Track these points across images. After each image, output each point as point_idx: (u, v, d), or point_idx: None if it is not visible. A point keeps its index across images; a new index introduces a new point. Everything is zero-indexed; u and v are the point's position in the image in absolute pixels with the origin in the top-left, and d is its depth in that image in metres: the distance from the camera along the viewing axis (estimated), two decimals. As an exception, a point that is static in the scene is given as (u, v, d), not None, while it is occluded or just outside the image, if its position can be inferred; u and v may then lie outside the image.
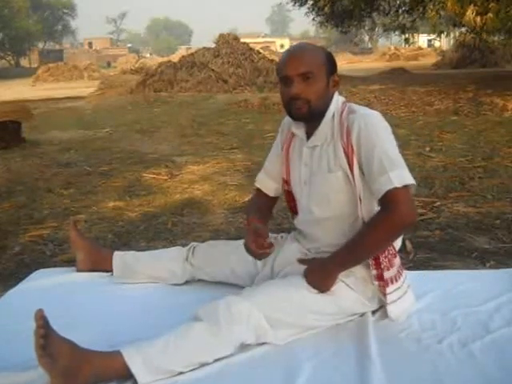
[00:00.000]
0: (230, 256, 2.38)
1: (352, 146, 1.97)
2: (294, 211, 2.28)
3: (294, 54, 2.04)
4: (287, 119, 2.20)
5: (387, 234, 1.91)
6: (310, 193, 2.13)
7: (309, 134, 2.12)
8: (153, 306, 2.31)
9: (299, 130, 2.15)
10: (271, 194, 2.37)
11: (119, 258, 2.57)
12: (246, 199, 4.62)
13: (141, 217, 4.33)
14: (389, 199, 1.88)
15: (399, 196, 1.87)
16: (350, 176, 1.99)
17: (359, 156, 1.96)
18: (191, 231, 3.93)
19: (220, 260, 2.40)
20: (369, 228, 1.93)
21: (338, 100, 2.09)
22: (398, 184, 1.87)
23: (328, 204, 2.08)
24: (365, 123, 1.96)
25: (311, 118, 2.04)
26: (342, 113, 2.04)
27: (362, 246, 1.94)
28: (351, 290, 2.06)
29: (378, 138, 1.95)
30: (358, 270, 2.06)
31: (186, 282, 2.48)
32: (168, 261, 2.49)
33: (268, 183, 2.37)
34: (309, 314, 2.00)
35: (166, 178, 5.66)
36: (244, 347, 1.92)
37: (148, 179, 5.65)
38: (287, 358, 1.91)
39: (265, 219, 2.28)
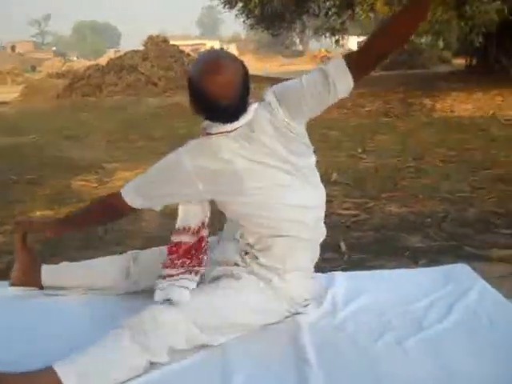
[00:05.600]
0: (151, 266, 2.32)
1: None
2: None
3: (217, 66, 1.98)
4: None
5: None
6: None
7: None
8: (90, 318, 2.22)
9: None
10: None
11: (49, 271, 2.43)
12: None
13: (70, 225, 4.18)
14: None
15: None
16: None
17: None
18: (124, 239, 3.83)
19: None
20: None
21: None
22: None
23: None
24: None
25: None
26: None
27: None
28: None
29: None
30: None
31: (127, 292, 2.40)
32: (107, 271, 2.39)
33: None
34: (234, 315, 1.99)
35: (95, 185, 5.52)
36: (178, 353, 1.89)
37: (77, 187, 5.50)
38: (222, 363, 1.88)
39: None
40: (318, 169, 2.11)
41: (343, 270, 2.88)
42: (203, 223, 2.12)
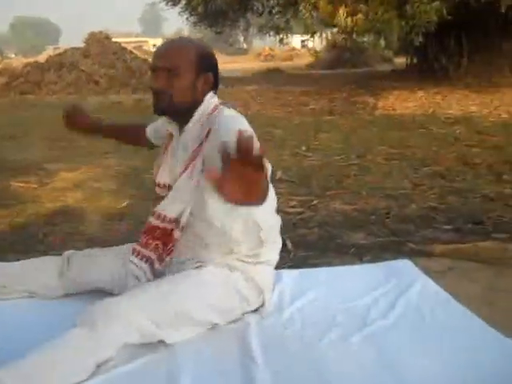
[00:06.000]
0: (108, 263, 2.28)
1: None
2: None
3: (163, 47, 2.04)
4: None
5: None
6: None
7: (181, 133, 2.09)
8: (29, 324, 2.13)
9: (172, 127, 2.11)
10: (146, 135, 2.44)
11: None
12: (123, 205, 4.48)
13: (9, 228, 4.06)
14: None
15: None
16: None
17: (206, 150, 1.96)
18: (66, 241, 3.74)
19: (99, 268, 2.28)
20: None
21: (210, 101, 2.05)
22: None
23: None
24: (220, 122, 1.95)
25: (174, 114, 2.03)
26: (209, 114, 2.02)
27: None
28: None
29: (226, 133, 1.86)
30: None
31: (66, 295, 2.33)
32: (40, 273, 2.30)
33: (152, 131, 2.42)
34: (191, 309, 1.97)
35: (36, 186, 5.37)
36: (127, 352, 1.86)
37: (16, 188, 5.33)
38: (169, 364, 1.86)
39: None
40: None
41: (289, 267, 2.89)
42: (182, 213, 2.05)
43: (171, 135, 2.15)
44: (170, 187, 2.09)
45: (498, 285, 2.70)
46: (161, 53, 2.00)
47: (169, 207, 2.06)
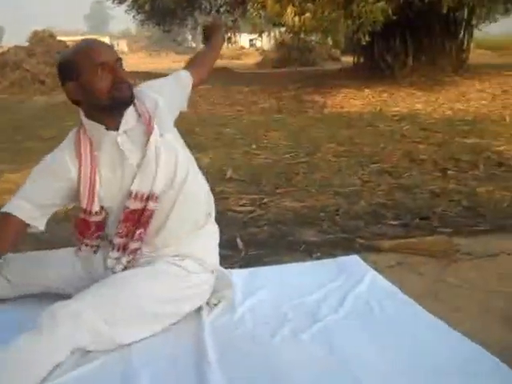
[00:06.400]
0: (53, 265, 2.24)
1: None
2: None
3: (102, 42, 2.08)
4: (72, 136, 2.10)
5: None
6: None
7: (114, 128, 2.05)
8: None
9: (100, 133, 2.05)
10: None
11: None
12: (70, 207, 4.39)
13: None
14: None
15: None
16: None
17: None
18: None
19: (42, 271, 2.25)
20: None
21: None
22: None
23: None
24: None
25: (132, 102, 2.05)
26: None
27: None
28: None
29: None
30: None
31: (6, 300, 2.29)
32: None
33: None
34: (140, 302, 1.96)
35: (-20, 188, 5.23)
36: (79, 355, 1.84)
37: (-41, 191, 5.18)
38: (124, 365, 1.85)
39: None
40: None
41: (241, 266, 2.90)
42: (154, 185, 2.03)
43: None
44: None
45: (444, 278, 2.77)
46: (107, 48, 2.04)
47: (142, 183, 2.03)
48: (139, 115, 2.05)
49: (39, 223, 2.10)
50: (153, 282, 2.00)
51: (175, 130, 2.19)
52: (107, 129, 2.01)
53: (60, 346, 1.78)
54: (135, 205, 2.02)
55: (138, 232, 2.04)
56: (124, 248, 2.07)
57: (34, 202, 2.05)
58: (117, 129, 2.02)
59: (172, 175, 2.04)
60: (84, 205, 2.06)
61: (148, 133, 2.02)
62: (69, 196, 2.08)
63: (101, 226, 2.12)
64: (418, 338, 2.02)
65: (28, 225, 2.07)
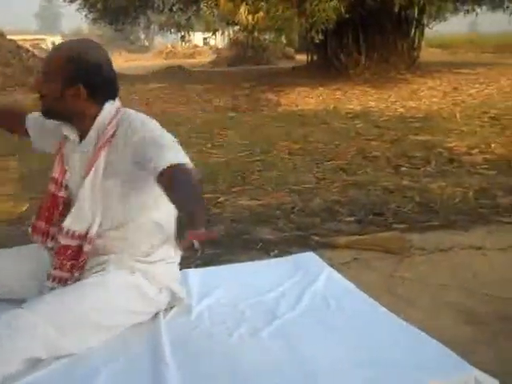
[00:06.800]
0: (8, 268, 2.19)
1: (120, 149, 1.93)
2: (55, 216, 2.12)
3: (52, 49, 2.04)
4: None
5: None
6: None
7: (80, 138, 2.03)
8: None
9: (70, 132, 2.04)
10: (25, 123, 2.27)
11: None
12: (23, 209, 4.32)
13: None
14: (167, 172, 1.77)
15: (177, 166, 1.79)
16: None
17: (132, 151, 1.91)
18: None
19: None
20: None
21: (108, 109, 2.00)
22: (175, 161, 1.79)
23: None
24: (131, 128, 1.94)
25: (56, 119, 2.01)
26: (109, 123, 1.98)
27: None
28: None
29: (145, 128, 1.94)
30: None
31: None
32: None
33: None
34: (93, 313, 1.92)
35: None
36: (36, 363, 1.79)
37: None
38: (80, 370, 1.81)
39: None
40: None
41: (197, 266, 2.89)
42: (91, 226, 1.98)
43: (65, 139, 2.08)
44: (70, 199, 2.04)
45: (398, 273, 2.82)
46: (47, 55, 1.99)
47: (76, 222, 1.99)
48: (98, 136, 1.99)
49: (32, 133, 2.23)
50: (105, 294, 1.96)
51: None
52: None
53: (14, 358, 1.74)
54: (67, 241, 1.99)
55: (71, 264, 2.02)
56: (59, 280, 2.04)
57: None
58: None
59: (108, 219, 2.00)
60: (56, 174, 2.07)
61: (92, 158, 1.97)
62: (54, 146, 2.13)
63: (65, 207, 2.07)
64: (373, 333, 2.04)
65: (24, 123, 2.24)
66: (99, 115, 1.98)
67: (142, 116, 2.01)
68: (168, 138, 1.95)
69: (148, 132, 1.93)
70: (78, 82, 1.93)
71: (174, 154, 1.84)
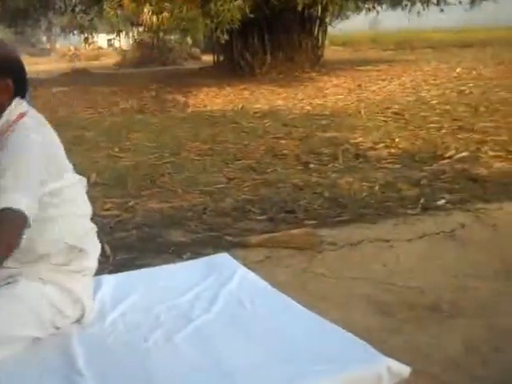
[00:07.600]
0: None
1: None
2: None
3: None
4: None
5: None
6: None
7: None
8: None
9: None
10: None
11: None
12: None
13: None
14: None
15: (9, 216, 1.69)
16: None
17: None
18: None
19: None
20: None
21: (16, 107, 1.94)
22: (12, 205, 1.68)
23: None
24: (14, 140, 1.83)
25: None
26: (13, 122, 1.90)
27: None
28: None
29: (16, 158, 1.78)
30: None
31: None
32: None
33: None
34: (4, 325, 1.85)
35: None
36: None
37: None
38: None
39: None
40: (76, 171, 2.05)
41: (110, 272, 2.83)
42: None
43: None
44: None
45: (310, 269, 2.87)
46: None
47: None
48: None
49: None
50: (15, 305, 1.90)
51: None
52: None
53: None
54: None
55: None
56: None
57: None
58: None
59: None
60: None
61: None
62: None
63: None
64: (289, 330, 2.07)
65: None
66: (3, 114, 1.92)
67: (32, 130, 1.89)
68: (26, 169, 1.80)
69: (16, 155, 1.80)
70: (7, 77, 1.91)
71: (12, 194, 1.71)
